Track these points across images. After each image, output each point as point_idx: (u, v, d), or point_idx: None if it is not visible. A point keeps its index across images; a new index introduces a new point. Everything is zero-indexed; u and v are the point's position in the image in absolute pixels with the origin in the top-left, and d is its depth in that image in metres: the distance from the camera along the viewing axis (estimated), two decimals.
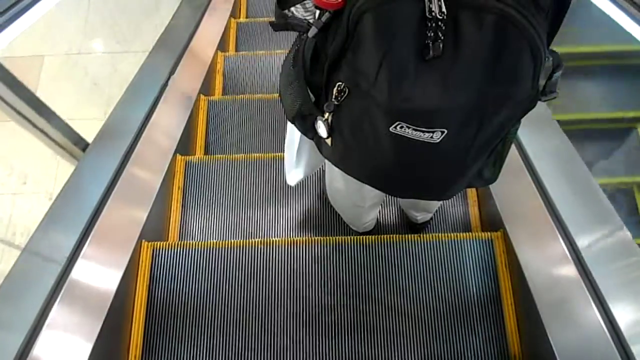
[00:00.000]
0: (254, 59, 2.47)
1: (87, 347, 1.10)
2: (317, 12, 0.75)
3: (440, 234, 1.51)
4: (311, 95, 0.82)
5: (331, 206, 1.50)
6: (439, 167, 0.78)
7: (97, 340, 1.12)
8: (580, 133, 2.41)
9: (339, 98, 0.72)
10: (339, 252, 1.47)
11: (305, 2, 0.84)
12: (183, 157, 1.81)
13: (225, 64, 2.46)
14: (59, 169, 2.53)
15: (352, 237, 1.50)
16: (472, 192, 1.76)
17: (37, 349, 1.00)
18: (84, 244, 1.21)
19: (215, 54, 2.42)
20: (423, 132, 0.68)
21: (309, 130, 0.87)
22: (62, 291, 1.10)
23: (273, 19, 0.80)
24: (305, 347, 1.34)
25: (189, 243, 1.50)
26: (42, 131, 1.41)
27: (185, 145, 1.89)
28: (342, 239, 1.49)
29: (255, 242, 1.50)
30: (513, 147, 1.24)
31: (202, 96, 2.12)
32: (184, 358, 1.33)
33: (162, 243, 1.48)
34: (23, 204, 2.61)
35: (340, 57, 0.70)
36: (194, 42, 2.21)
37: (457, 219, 1.73)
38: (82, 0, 3.51)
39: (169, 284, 1.43)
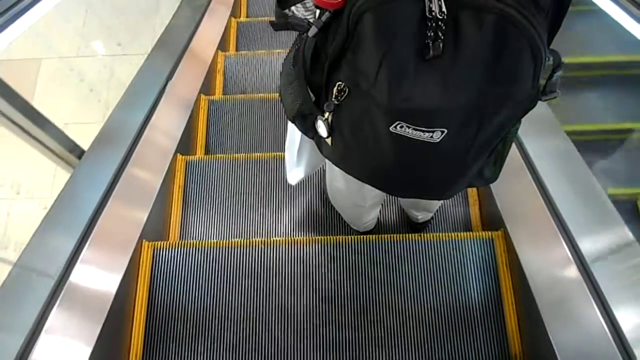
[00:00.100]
0: (254, 59, 2.47)
1: (87, 350, 1.10)
2: (317, 11, 0.75)
3: (440, 234, 1.51)
4: (311, 95, 0.82)
5: (332, 205, 1.50)
6: (439, 167, 0.78)
7: (97, 342, 1.12)
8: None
9: (339, 97, 0.72)
10: (339, 252, 1.47)
11: (305, 1, 0.84)
12: (183, 157, 1.81)
13: (226, 63, 2.46)
14: (57, 171, 2.53)
15: (352, 237, 1.50)
16: (472, 192, 1.76)
17: (36, 353, 0.99)
18: (84, 246, 1.21)
19: (216, 53, 2.42)
20: (423, 131, 0.68)
21: (309, 130, 0.87)
22: (62, 294, 1.10)
23: (273, 18, 0.80)
24: (305, 346, 1.34)
25: (190, 242, 1.50)
26: (37, 140, 1.40)
27: (185, 144, 1.89)
28: (342, 238, 1.49)
29: (256, 241, 1.50)
30: (514, 146, 1.24)
31: (202, 96, 2.12)
32: (184, 358, 1.33)
33: (162, 243, 1.48)
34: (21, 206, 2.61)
35: (340, 57, 0.70)
36: (194, 42, 2.21)
37: (458, 219, 1.73)
38: (81, 1, 3.50)
39: (169, 284, 1.43)
